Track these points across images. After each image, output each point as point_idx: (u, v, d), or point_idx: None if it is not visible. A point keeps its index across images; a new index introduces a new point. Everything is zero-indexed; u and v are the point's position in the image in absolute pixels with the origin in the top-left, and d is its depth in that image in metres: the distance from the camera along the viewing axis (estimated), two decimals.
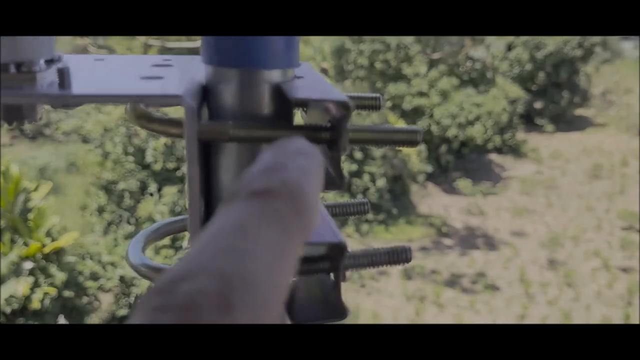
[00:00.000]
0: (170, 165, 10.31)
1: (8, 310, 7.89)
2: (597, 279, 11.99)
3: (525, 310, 10.81)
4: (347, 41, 15.97)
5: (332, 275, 0.47)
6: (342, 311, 0.46)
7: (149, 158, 10.46)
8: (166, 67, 0.48)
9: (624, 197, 15.46)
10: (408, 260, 0.47)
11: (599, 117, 20.52)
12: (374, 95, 0.52)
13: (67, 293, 8.77)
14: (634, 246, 12.74)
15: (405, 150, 13.92)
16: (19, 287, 8.02)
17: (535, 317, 10.74)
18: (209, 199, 0.47)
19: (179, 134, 0.45)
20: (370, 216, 13.44)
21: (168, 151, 10.34)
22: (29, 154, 15.13)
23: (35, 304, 7.90)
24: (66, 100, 0.41)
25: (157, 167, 10.36)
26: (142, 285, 9.42)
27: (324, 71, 22.09)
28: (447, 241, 12.36)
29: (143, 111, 0.46)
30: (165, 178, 10.46)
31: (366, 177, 13.21)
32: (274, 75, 0.45)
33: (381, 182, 12.96)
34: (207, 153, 0.46)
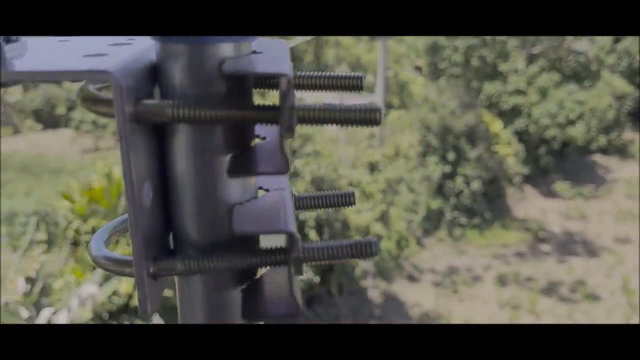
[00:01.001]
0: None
1: (112, 307, 8.35)
2: None
3: (628, 321, 10.23)
4: (441, 37, 15.65)
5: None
6: (294, 309, 0.43)
7: None
8: (123, 46, 0.45)
9: None
10: (373, 254, 0.44)
11: None
12: (354, 74, 0.50)
13: (167, 292, 9.15)
14: None
15: (502, 151, 13.48)
16: (122, 284, 8.46)
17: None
18: (163, 186, 0.44)
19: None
20: (463, 220, 13.14)
21: None
22: None
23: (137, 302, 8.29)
24: None
25: None
26: None
27: (418, 69, 21.76)
28: (545, 247, 11.91)
29: (89, 93, 0.43)
30: None
31: (459, 180, 12.91)
32: (225, 50, 0.43)
33: (475, 185, 12.61)
34: (159, 136, 0.43)
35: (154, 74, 0.43)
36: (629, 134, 15.39)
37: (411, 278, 11.79)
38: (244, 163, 0.44)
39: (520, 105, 14.36)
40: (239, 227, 0.43)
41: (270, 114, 0.42)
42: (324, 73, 0.49)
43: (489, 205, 12.27)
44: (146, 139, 0.42)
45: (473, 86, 15.10)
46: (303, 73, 0.49)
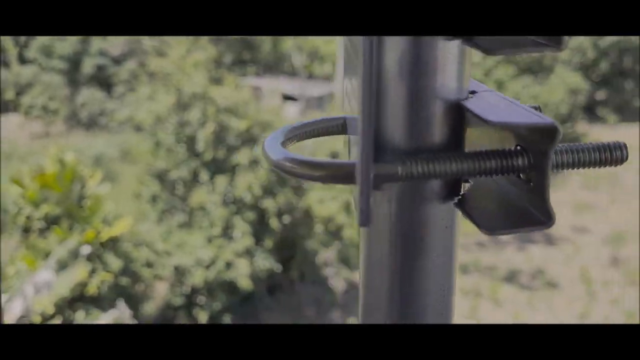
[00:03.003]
0: (220, 154, 10.30)
1: (68, 295, 7.96)
2: None
3: (587, 309, 10.43)
4: None
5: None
6: (550, 217, 0.38)
7: (200, 147, 10.47)
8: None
9: None
10: (624, 159, 0.41)
11: None
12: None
13: (124, 281, 8.87)
14: None
15: None
16: (78, 272, 8.09)
17: (597, 316, 10.34)
18: None
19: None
20: None
21: (218, 140, 10.33)
22: (84, 143, 15.39)
23: (93, 290, 7.99)
24: None
25: (208, 156, 10.36)
26: (197, 276, 9.44)
27: None
28: (505, 236, 12.05)
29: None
30: (216, 167, 10.45)
31: None
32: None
33: None
34: None
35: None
36: (582, 127, 15.74)
37: None
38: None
39: None
40: (493, 117, 0.38)
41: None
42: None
43: None
44: None
45: None
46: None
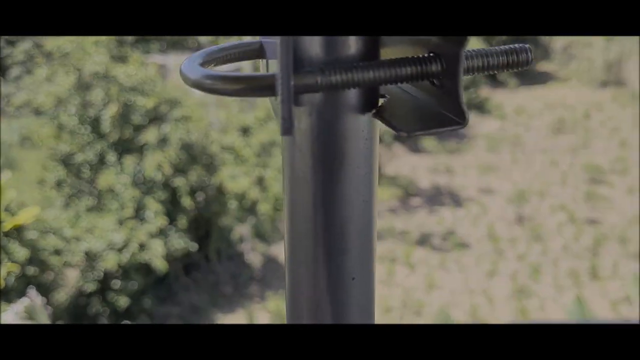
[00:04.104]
0: (127, 134, 10.02)
1: None
2: (563, 232, 12.15)
3: (495, 266, 10.91)
4: None
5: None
6: (464, 118, 0.39)
7: (105, 128, 10.13)
8: None
9: (587, 151, 15.65)
10: (529, 61, 0.43)
11: (560, 72, 20.67)
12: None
13: (32, 270, 8.57)
14: (598, 199, 12.94)
15: None
16: None
17: (505, 272, 10.85)
18: None
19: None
20: None
21: (123, 120, 10.03)
22: None
23: None
24: None
25: (114, 136, 10.05)
26: (109, 260, 9.21)
27: None
28: (415, 201, 12.38)
29: None
30: (123, 148, 10.17)
31: None
32: None
33: None
34: None
35: None
36: (485, 91, 16.31)
37: None
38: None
39: None
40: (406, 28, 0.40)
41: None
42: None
43: None
44: None
45: None
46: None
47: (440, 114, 0.41)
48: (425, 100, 0.42)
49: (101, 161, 10.33)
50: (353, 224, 0.45)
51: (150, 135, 9.76)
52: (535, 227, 12.18)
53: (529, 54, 0.42)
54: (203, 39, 17.05)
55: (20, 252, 8.26)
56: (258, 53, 0.51)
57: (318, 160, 0.43)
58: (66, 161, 10.81)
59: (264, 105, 11.87)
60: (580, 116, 17.48)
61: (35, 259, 8.62)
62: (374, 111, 0.44)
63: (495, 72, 0.43)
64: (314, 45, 0.40)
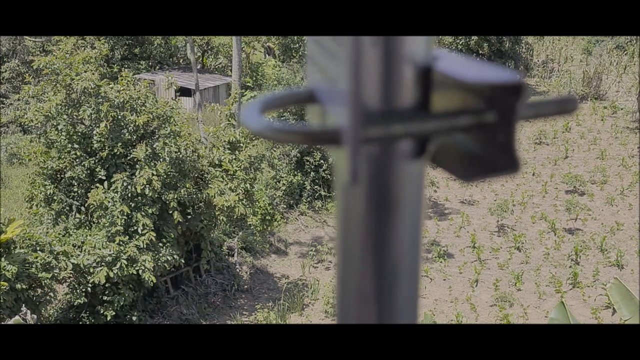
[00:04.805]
0: (117, 150, 10.11)
1: None
2: (544, 241, 12.43)
3: (478, 275, 11.12)
4: None
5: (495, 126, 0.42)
6: (517, 163, 0.41)
7: (95, 144, 10.24)
8: None
9: (567, 162, 16.02)
10: (575, 109, 0.44)
11: (541, 85, 21.14)
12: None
13: (20, 286, 8.58)
14: (578, 208, 13.21)
15: None
16: None
17: (488, 280, 11.06)
18: None
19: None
20: (323, 192, 13.55)
21: (114, 136, 10.13)
22: None
23: None
24: None
25: (104, 153, 10.16)
26: (99, 274, 9.28)
27: (270, 50, 21.89)
28: None
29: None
30: (113, 164, 10.26)
31: (317, 154, 13.26)
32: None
33: (333, 158, 13.00)
34: None
35: None
36: None
37: (278, 251, 11.97)
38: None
39: None
40: (468, 76, 0.41)
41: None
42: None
43: None
44: None
45: None
46: None
47: (494, 159, 0.42)
48: (477, 144, 0.43)
49: (91, 177, 10.43)
50: (403, 264, 0.46)
51: (140, 151, 9.84)
52: (517, 237, 12.42)
53: (575, 103, 0.43)
54: (191, 56, 17.29)
55: (9, 269, 8.33)
56: (309, 98, 0.53)
57: (372, 204, 0.44)
58: (55, 177, 10.89)
59: None
60: (559, 128, 17.91)
61: (23, 275, 8.67)
62: (427, 156, 0.45)
63: (545, 119, 0.45)
64: (372, 96, 0.42)
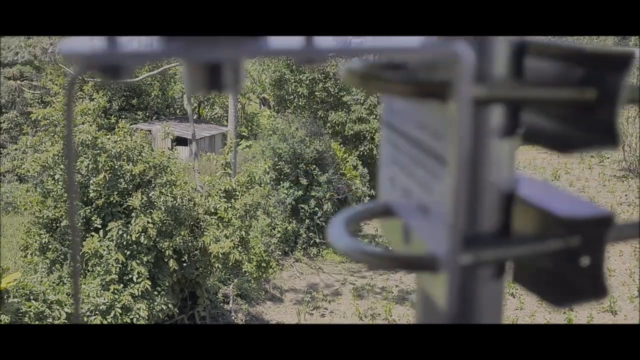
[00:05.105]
0: (113, 199, 10.18)
1: None
2: None
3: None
4: (286, 71, 16.23)
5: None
6: (605, 290, 0.41)
7: (91, 193, 10.32)
8: None
9: None
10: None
11: None
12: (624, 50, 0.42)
13: None
14: None
15: (349, 174, 14.20)
16: None
17: None
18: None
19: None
20: (318, 239, 13.64)
21: (110, 186, 10.21)
22: None
23: None
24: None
25: (100, 202, 10.22)
26: (93, 321, 9.23)
27: (265, 101, 22.26)
28: None
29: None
30: (109, 212, 10.32)
31: (312, 202, 13.42)
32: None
33: (327, 206, 13.20)
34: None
35: None
36: None
37: (273, 298, 11.95)
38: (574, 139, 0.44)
39: (363, 132, 15.28)
40: (561, 211, 0.41)
41: (586, 93, 0.42)
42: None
43: None
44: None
45: (320, 115, 15.77)
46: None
47: (582, 283, 0.41)
48: (562, 267, 0.42)
49: (86, 226, 10.47)
50: None
51: (136, 200, 9.91)
52: (510, 284, 12.32)
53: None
54: (187, 107, 17.54)
55: (2, 318, 8.28)
56: (385, 212, 0.52)
57: (451, 321, 0.44)
58: (50, 226, 10.91)
59: (244, 170, 12.23)
60: (549, 177, 18.15)
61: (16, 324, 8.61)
62: (511, 278, 0.45)
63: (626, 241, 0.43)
64: (460, 221, 0.40)
